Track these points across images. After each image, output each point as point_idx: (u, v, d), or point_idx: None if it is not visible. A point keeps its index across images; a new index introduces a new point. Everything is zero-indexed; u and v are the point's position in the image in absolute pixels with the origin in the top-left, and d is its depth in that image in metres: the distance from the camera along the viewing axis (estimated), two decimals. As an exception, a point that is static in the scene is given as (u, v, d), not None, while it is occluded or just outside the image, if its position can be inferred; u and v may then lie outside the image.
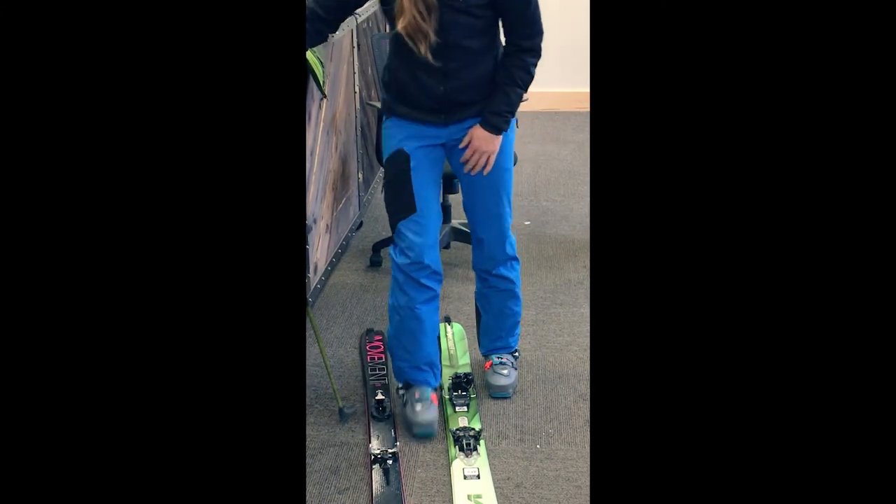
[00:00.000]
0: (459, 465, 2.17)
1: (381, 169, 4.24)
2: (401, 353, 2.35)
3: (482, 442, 2.26)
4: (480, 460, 2.19)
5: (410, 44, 2.05)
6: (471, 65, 2.13)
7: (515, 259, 2.42)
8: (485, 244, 2.36)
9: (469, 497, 2.06)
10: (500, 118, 2.16)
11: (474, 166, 2.19)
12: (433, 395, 2.36)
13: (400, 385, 2.42)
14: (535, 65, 2.16)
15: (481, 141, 2.17)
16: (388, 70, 2.25)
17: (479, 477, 2.13)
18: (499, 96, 2.15)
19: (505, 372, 2.48)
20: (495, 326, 2.50)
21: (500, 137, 2.18)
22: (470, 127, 2.19)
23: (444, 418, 2.38)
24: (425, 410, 2.31)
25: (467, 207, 2.34)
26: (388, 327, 2.39)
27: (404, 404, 2.37)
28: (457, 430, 2.27)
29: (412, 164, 2.19)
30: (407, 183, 2.19)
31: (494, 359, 2.51)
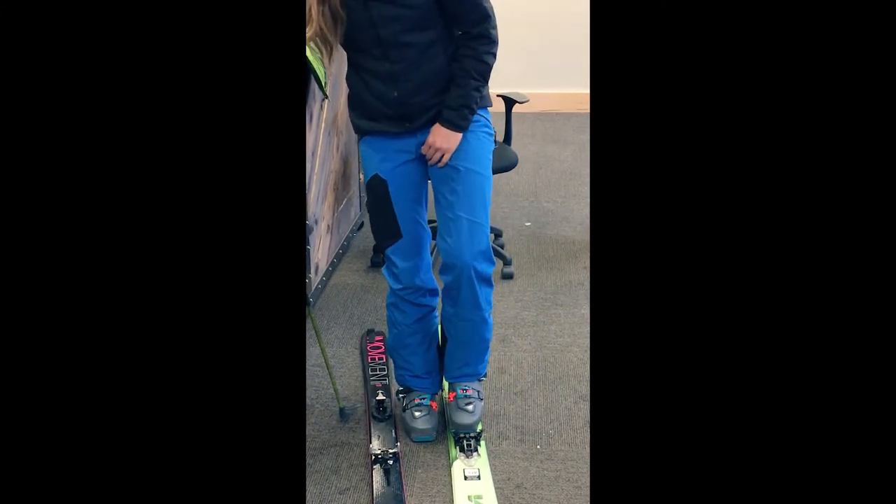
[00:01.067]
0: (460, 465, 2.17)
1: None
2: (400, 363, 2.37)
3: (483, 443, 2.27)
4: (481, 461, 2.19)
5: (319, 52, 1.98)
6: (418, 63, 2.01)
7: (489, 283, 2.15)
8: (456, 265, 2.09)
9: (470, 498, 2.06)
10: (455, 113, 2.04)
11: (430, 159, 2.10)
12: (432, 402, 2.36)
13: (400, 389, 2.42)
14: (491, 52, 2.02)
15: (437, 136, 2.06)
16: (347, 83, 2.18)
17: (479, 478, 2.13)
18: (453, 90, 2.03)
19: (470, 408, 2.27)
20: (462, 353, 2.29)
21: (459, 135, 2.07)
22: None
23: (445, 420, 2.38)
24: (424, 417, 2.31)
25: (438, 218, 2.16)
26: (388, 336, 2.39)
27: (404, 409, 2.37)
28: (458, 431, 2.27)
29: (391, 189, 2.13)
30: (388, 209, 2.14)
31: (459, 391, 2.31)
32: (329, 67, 2.23)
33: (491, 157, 2.17)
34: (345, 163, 3.39)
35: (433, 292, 2.27)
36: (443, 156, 2.08)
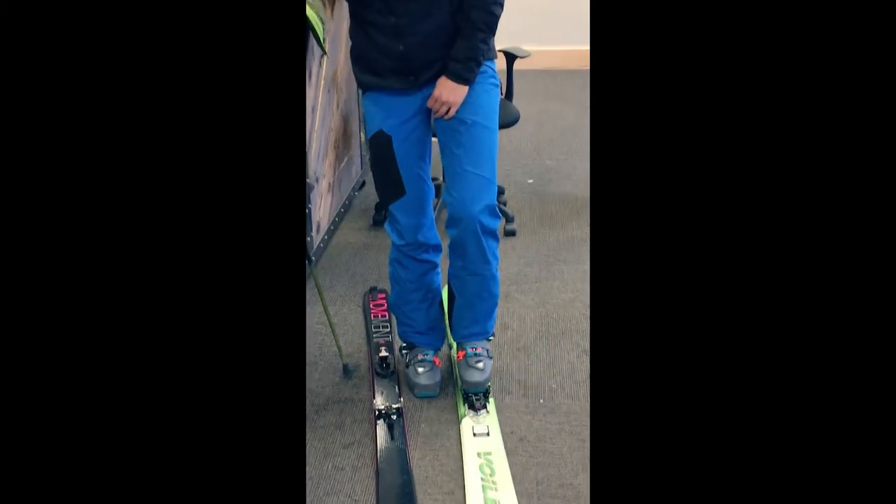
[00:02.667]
0: (469, 422, 2.19)
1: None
2: (403, 319, 2.38)
3: (492, 400, 2.28)
4: (490, 418, 2.21)
5: (322, 4, 1.94)
6: (423, 16, 1.97)
7: (495, 237, 2.15)
8: (462, 218, 2.08)
9: (479, 454, 2.08)
10: (461, 65, 2.00)
11: (436, 111, 2.08)
12: (436, 358, 2.38)
13: (403, 345, 2.44)
14: (498, 3, 1.99)
15: (443, 89, 2.03)
16: (350, 38, 2.15)
17: (488, 434, 2.14)
18: (460, 42, 1.99)
19: (480, 365, 2.27)
20: (471, 311, 2.29)
21: (465, 88, 2.04)
22: None
23: (452, 377, 2.39)
24: (427, 373, 2.33)
25: (444, 172, 2.14)
26: (390, 293, 2.40)
27: (407, 365, 2.38)
28: (467, 389, 2.27)
29: (395, 145, 2.10)
30: (392, 166, 2.12)
31: (468, 349, 2.31)
32: (328, 23, 2.21)
33: (497, 109, 2.14)
34: (345, 121, 3.37)
35: (436, 248, 2.27)
36: (449, 109, 2.06)
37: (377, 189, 2.24)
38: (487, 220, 2.09)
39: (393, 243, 2.25)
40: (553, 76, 5.25)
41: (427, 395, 2.33)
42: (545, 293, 2.84)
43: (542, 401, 2.30)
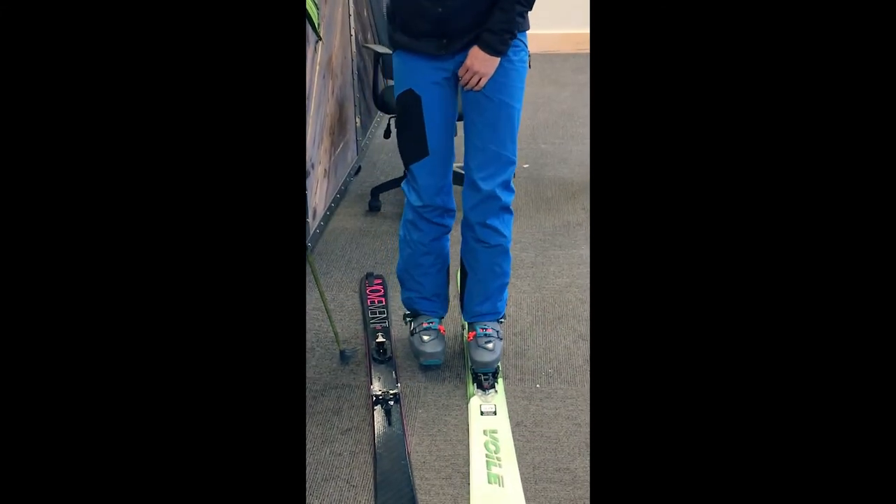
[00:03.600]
0: (477, 401, 2.21)
1: (379, 113, 4.23)
2: (410, 284, 2.38)
3: (500, 380, 2.30)
4: (498, 398, 2.23)
5: None
6: None
7: (510, 212, 2.24)
8: (479, 187, 2.17)
9: (485, 432, 2.11)
10: (495, 37, 1.99)
11: (467, 83, 2.07)
12: (440, 326, 2.40)
13: (407, 313, 2.45)
14: None
15: (475, 60, 2.02)
16: None
17: (495, 413, 2.17)
18: (496, 14, 1.98)
19: (490, 346, 2.29)
20: (483, 287, 2.32)
21: (497, 60, 2.03)
22: None
23: (463, 357, 2.40)
24: (432, 341, 2.36)
25: (466, 144, 2.19)
26: (399, 259, 2.40)
27: (412, 333, 2.40)
28: (477, 369, 2.29)
29: (424, 104, 2.11)
30: (419, 125, 2.13)
31: (479, 330, 2.34)
32: (322, 9, 2.20)
33: (524, 87, 2.15)
34: (341, 106, 3.36)
35: (451, 213, 2.28)
36: (480, 80, 2.05)
37: (400, 148, 2.23)
38: (504, 195, 2.18)
39: (409, 204, 2.25)
40: (549, 59, 5.24)
41: (432, 363, 2.35)
42: (541, 278, 2.85)
43: (538, 385, 2.30)
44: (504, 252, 2.27)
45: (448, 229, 2.31)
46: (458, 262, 2.40)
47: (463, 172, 2.23)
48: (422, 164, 2.17)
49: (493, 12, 1.99)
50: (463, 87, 2.09)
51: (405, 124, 2.16)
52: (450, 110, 2.16)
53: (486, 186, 2.15)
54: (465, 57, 2.06)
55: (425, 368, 2.38)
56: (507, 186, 2.18)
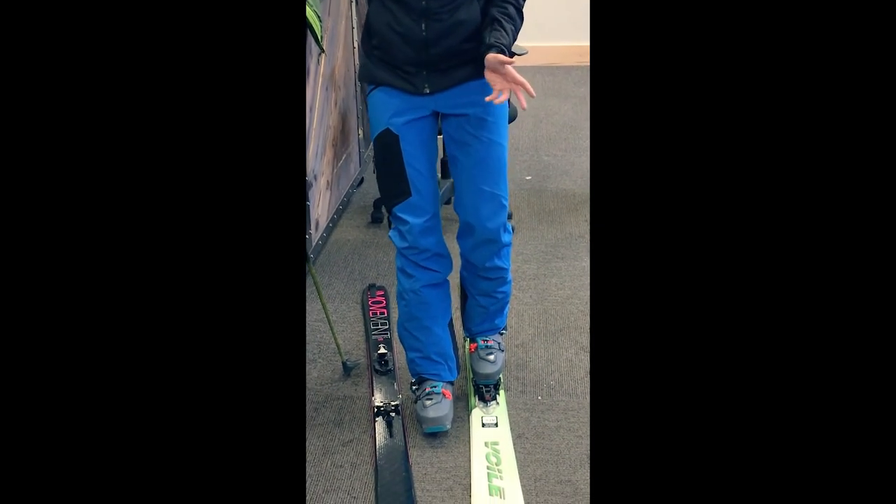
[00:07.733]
0: (478, 413, 2.21)
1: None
2: (411, 343, 2.21)
3: (502, 392, 2.29)
4: (499, 409, 2.23)
5: None
6: (454, 6, 1.89)
7: (509, 244, 2.16)
8: (476, 232, 2.07)
9: (486, 444, 2.10)
10: (495, 49, 1.85)
11: (502, 92, 1.89)
12: (445, 391, 2.20)
13: (413, 380, 2.26)
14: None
15: (493, 63, 1.84)
16: (366, 20, 2.02)
17: (496, 425, 2.17)
18: (494, 34, 1.86)
19: (491, 358, 2.26)
20: (483, 310, 2.27)
21: (509, 58, 1.85)
22: (458, 95, 1.98)
23: (465, 369, 2.40)
24: (435, 406, 2.15)
25: (456, 188, 2.10)
26: (398, 318, 2.26)
27: (415, 400, 2.21)
28: (478, 381, 2.27)
29: (403, 144, 2.01)
30: (399, 166, 2.02)
31: (480, 342, 2.31)
32: (325, 22, 2.21)
33: (507, 125, 2.08)
34: (343, 118, 3.38)
35: (442, 259, 2.14)
36: (509, 74, 1.86)
37: (381, 190, 2.12)
38: (504, 237, 2.11)
39: (397, 250, 2.12)
40: (551, 72, 5.24)
41: (436, 430, 2.16)
42: (543, 290, 2.85)
43: (540, 398, 2.30)
44: (503, 282, 2.21)
45: (443, 280, 2.17)
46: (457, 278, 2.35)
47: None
48: (405, 205, 2.05)
49: (487, 29, 1.89)
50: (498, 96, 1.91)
51: (384, 165, 2.06)
52: (430, 148, 2.08)
53: (483, 230, 2.06)
54: (444, 96, 1.98)
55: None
56: (504, 228, 2.10)
